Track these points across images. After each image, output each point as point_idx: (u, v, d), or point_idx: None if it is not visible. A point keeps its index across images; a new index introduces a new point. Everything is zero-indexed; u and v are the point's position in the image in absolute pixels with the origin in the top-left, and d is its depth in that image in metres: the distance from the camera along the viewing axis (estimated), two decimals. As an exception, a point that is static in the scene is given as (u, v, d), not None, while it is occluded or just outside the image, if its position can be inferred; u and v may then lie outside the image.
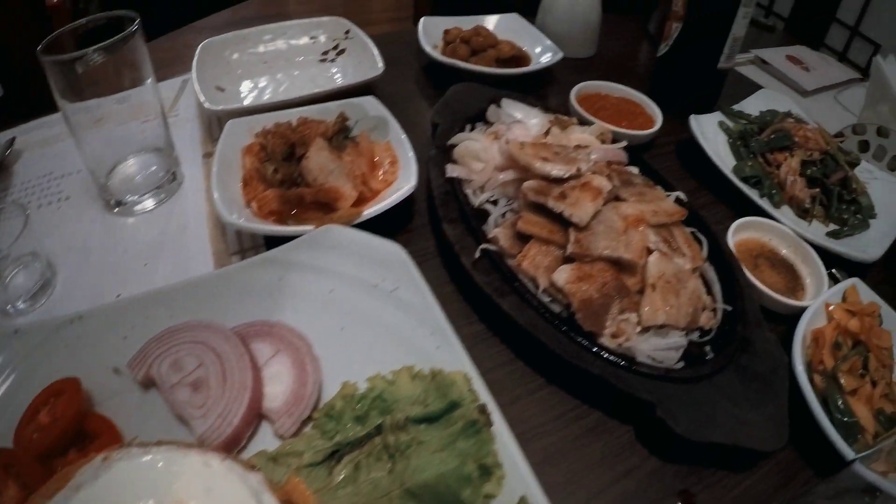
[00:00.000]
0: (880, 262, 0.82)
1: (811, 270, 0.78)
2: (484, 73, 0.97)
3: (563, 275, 0.62)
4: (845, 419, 0.60)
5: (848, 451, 0.56)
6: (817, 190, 0.89)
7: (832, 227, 0.88)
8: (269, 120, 0.80)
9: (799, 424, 0.58)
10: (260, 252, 0.63)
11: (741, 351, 0.62)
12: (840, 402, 0.61)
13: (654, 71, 1.09)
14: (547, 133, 0.77)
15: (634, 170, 0.77)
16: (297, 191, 0.71)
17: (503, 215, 0.71)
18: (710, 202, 0.88)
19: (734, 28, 0.97)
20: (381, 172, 0.78)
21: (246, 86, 0.98)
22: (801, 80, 1.26)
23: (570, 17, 1.13)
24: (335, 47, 1.07)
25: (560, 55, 1.03)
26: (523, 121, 0.79)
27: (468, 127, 0.83)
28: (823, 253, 0.78)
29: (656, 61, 1.06)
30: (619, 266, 0.63)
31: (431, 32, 1.08)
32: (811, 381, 0.62)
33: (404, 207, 0.75)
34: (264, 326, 0.56)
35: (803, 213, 0.87)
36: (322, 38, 1.08)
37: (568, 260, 0.64)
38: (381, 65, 0.93)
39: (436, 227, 0.75)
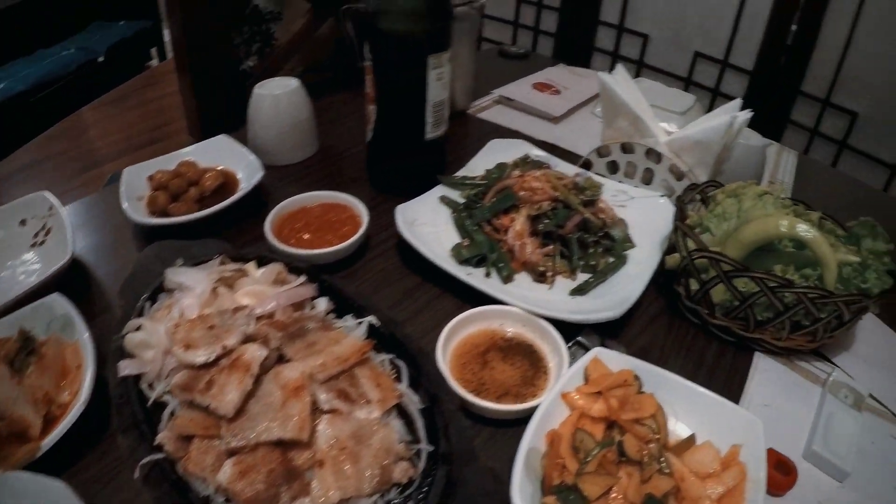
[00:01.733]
0: (651, 291, 0.82)
1: (552, 347, 0.75)
2: (174, 224, 0.91)
3: (225, 473, 0.57)
4: (594, 535, 0.58)
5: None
6: (552, 246, 0.88)
7: (583, 278, 0.87)
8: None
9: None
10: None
11: (447, 497, 0.58)
12: (584, 517, 0.58)
13: (367, 160, 1.07)
14: (216, 294, 0.72)
15: (322, 303, 0.73)
16: None
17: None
18: (434, 297, 0.85)
19: (430, 95, 0.96)
20: (67, 384, 0.72)
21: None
22: (548, 107, 1.29)
23: (277, 122, 1.09)
24: (43, 227, 0.99)
25: (260, 174, 0.97)
26: (191, 287, 0.73)
27: (148, 304, 0.76)
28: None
29: (367, 149, 1.05)
30: (286, 445, 0.59)
31: (136, 183, 1.01)
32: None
33: (104, 410, 0.70)
34: None
35: (542, 278, 0.86)
36: (30, 220, 0.99)
37: (233, 452, 0.58)
38: (70, 250, 0.85)
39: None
